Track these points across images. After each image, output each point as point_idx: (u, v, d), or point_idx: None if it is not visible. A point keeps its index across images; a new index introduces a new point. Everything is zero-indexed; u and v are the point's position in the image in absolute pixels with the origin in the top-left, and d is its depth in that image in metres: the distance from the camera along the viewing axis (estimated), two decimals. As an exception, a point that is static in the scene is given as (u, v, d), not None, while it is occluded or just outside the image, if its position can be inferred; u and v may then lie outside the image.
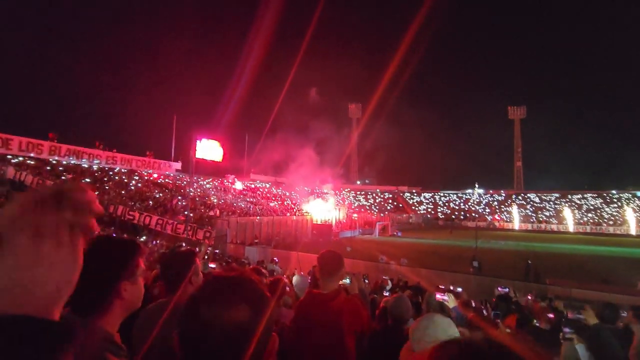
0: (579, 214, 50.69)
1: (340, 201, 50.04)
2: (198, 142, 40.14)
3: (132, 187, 25.51)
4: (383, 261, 15.20)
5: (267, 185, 47.15)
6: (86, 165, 26.33)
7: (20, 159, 22.58)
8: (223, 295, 0.67)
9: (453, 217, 55.79)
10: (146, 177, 30.09)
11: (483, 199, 60.85)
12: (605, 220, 47.90)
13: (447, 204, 61.68)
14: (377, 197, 63.29)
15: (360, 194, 63.85)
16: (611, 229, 44.91)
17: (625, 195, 51.74)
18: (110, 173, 27.13)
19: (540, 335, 3.25)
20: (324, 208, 35.26)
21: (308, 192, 48.31)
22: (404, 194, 65.25)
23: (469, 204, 60.08)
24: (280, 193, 45.51)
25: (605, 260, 19.31)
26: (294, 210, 36.41)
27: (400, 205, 61.31)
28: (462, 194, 63.50)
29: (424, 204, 62.67)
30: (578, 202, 53.55)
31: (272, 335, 0.72)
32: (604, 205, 51.39)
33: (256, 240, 21.34)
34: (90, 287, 0.91)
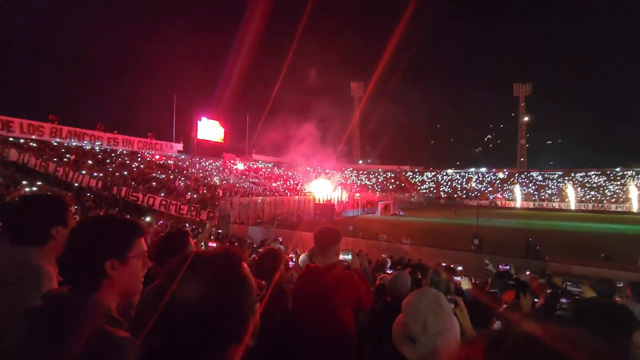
0: (581, 191, 50.60)
1: (343, 180, 50.07)
2: (199, 122, 39.98)
3: (135, 169, 25.57)
4: (384, 239, 15.38)
5: (270, 166, 47.17)
6: (88, 147, 26.35)
7: (22, 141, 22.59)
8: (192, 273, 0.68)
9: (455, 195, 55.90)
10: (148, 159, 30.13)
11: (486, 177, 60.71)
12: (608, 198, 47.84)
13: (449, 182, 61.65)
14: (379, 177, 63.28)
15: (363, 174, 63.82)
16: (613, 207, 44.92)
17: (630, 172, 51.41)
18: (112, 154, 27.17)
19: (538, 310, 3.30)
20: (326, 188, 35.35)
21: (310, 172, 48.34)
22: (406, 173, 65.17)
23: (472, 182, 60.02)
24: (282, 173, 45.57)
25: (605, 238, 19.43)
26: (297, 190, 36.56)
27: (403, 184, 61.37)
28: (465, 172, 63.33)
29: (427, 183, 62.68)
30: (581, 180, 53.34)
31: (246, 319, 0.71)
32: (607, 183, 51.20)
33: (259, 220, 21.55)
34: (77, 264, 0.97)
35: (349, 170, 62.57)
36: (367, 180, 60.71)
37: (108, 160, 25.37)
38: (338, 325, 1.88)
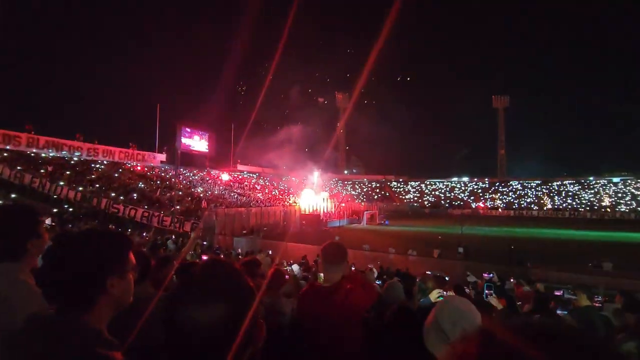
0: (558, 199, 52.31)
1: (328, 191, 50.21)
2: (183, 132, 39.45)
3: (116, 180, 24.94)
4: (367, 250, 15.35)
5: (255, 176, 46.85)
6: (66, 157, 25.58)
7: (-4, 151, 21.75)
8: (201, 293, 0.68)
9: (440, 204, 56.79)
10: (130, 169, 29.45)
11: (468, 186, 62.02)
12: (583, 206, 49.60)
13: (433, 192, 62.64)
14: (364, 187, 63.73)
15: (348, 184, 64.17)
16: (588, 214, 46.57)
17: (602, 181, 53.60)
18: (92, 165, 26.43)
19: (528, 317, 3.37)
20: (312, 198, 35.32)
21: (296, 183, 48.26)
22: (391, 183, 65.89)
23: (455, 191, 61.20)
24: (267, 184, 45.32)
25: (581, 244, 20.06)
26: (282, 200, 36.37)
27: (387, 194, 61.97)
28: (448, 182, 64.56)
29: (411, 192, 63.50)
30: (557, 188, 55.19)
31: (258, 325, 0.73)
32: (582, 192, 53.15)
33: (244, 232, 21.28)
34: (77, 282, 0.90)
35: (334, 180, 62.81)
36: (353, 190, 61.03)
37: (87, 171, 24.66)
38: (350, 348, 1.85)
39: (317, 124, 73.46)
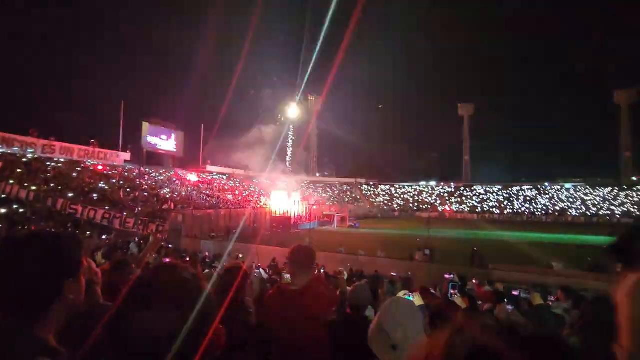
0: (517, 204, 55.39)
1: (300, 193, 50.17)
2: (149, 130, 37.99)
3: (74, 179, 23.53)
4: (342, 252, 15.54)
5: (225, 177, 45.90)
6: (18, 154, 23.79)
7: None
8: (148, 300, 0.64)
9: (409, 207, 58.37)
10: (91, 168, 27.90)
11: (435, 190, 64.18)
12: (539, 210, 52.83)
13: (402, 195, 64.25)
14: (335, 189, 64.24)
15: (319, 186, 64.41)
16: (544, 218, 49.66)
17: (557, 186, 57.38)
18: (48, 163, 24.78)
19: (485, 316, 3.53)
20: (283, 200, 35.12)
21: (267, 184, 47.81)
22: (362, 186, 66.86)
23: (423, 195, 63.13)
24: (238, 185, 44.55)
25: (537, 245, 21.33)
26: (253, 202, 35.88)
27: (358, 197, 62.82)
28: (417, 186, 66.49)
29: (381, 195, 64.76)
30: (517, 193, 58.41)
31: (216, 333, 0.70)
32: (538, 196, 56.60)
33: (212, 234, 20.77)
34: (31, 288, 0.84)
35: (305, 182, 62.84)
36: (324, 193, 61.34)
37: (43, 170, 23.08)
38: (323, 347, 1.85)
39: (288, 126, 73.30)
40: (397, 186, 66.88)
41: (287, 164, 68.72)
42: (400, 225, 36.64)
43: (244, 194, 40.46)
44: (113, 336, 0.63)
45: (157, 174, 34.96)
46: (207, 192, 35.02)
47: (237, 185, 44.57)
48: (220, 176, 45.63)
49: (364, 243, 18.52)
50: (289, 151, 73.31)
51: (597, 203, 51.66)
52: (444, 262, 13.24)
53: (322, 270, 8.33)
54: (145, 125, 37.99)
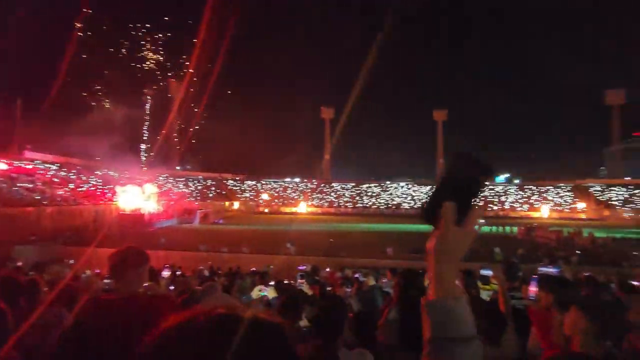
0: (366, 199, 64.14)
1: (157, 188, 45.14)
2: None
3: None
4: (203, 249, 14.83)
5: (54, 167, 37.10)
6: None
7: None
8: None
9: (273, 203, 59.95)
10: None
11: (299, 186, 67.89)
12: (383, 205, 62.56)
13: (268, 191, 65.48)
14: (198, 185, 60.45)
15: (180, 180, 59.40)
16: (385, 211, 59.08)
17: (395, 185, 69.09)
18: None
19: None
20: (136, 196, 30.84)
21: (115, 178, 41.11)
22: (227, 181, 64.92)
23: (287, 191, 65.93)
24: (73, 177, 36.75)
25: (379, 235, 25.23)
26: (95, 198, 30.28)
27: (224, 192, 60.78)
28: (282, 181, 68.85)
29: (247, 191, 64.37)
30: (366, 189, 67.54)
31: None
32: (382, 193, 66.89)
33: (32, 237, 16.58)
34: None
35: (165, 176, 56.89)
36: (186, 188, 56.90)
37: None
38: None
39: (144, 113, 64.91)
40: (264, 182, 67.78)
41: (142, 153, 60.80)
42: (265, 220, 37.32)
43: (81, 189, 33.69)
44: None
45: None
46: (27, 185, 27.67)
47: (73, 177, 36.75)
48: (47, 165, 36.68)
49: (226, 240, 18.09)
50: (146, 138, 65.01)
51: (422, 198, 64.58)
52: (305, 254, 14.19)
53: (177, 272, 7.73)
54: None
